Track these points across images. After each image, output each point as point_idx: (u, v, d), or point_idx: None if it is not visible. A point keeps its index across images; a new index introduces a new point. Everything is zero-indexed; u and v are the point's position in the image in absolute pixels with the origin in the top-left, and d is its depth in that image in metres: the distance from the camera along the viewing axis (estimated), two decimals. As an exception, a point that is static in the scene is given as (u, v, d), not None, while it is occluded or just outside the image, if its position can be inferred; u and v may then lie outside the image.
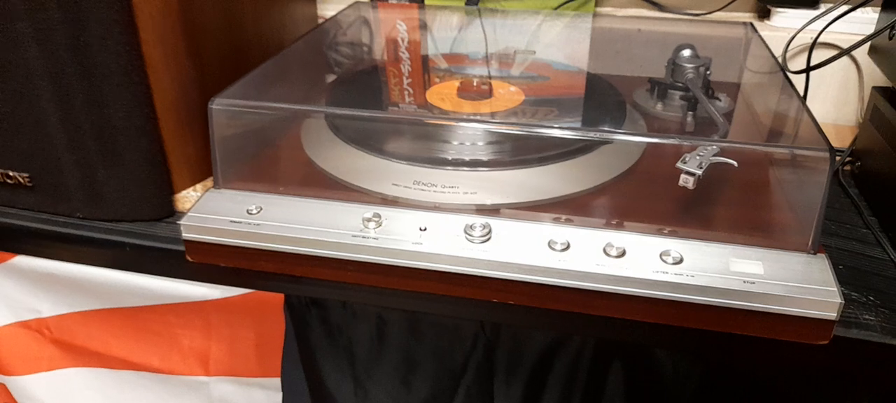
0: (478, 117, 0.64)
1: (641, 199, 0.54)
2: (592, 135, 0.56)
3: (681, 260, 0.46)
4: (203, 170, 0.61)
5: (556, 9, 0.91)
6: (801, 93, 0.65)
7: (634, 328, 0.48)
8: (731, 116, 0.70)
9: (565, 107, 0.66)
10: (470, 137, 0.60)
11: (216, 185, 0.55)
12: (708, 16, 0.91)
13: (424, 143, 0.59)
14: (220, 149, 0.54)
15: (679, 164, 0.50)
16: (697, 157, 0.51)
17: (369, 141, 0.58)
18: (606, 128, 0.61)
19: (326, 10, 0.94)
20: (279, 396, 0.67)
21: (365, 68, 0.84)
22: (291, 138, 0.65)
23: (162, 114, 0.56)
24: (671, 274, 0.45)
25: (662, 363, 0.54)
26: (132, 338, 0.68)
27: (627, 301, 0.46)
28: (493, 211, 0.52)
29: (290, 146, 0.63)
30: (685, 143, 0.51)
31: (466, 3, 0.92)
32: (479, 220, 0.49)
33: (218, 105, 0.54)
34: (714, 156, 0.51)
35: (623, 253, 0.47)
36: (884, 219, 0.59)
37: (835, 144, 0.75)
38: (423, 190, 0.53)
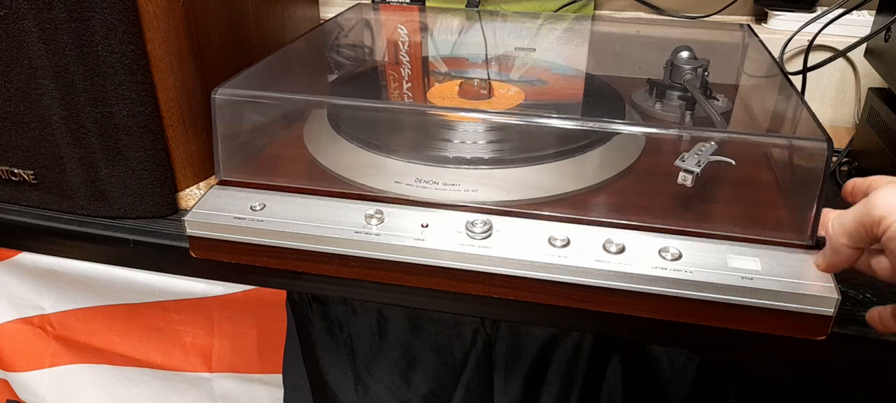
0: (479, 113, 0.64)
1: (640, 197, 0.54)
2: (591, 125, 0.56)
3: (679, 257, 0.46)
4: (206, 168, 0.61)
5: (555, 11, 0.92)
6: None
7: (633, 323, 0.48)
8: (729, 116, 0.71)
9: (565, 107, 0.67)
10: (471, 135, 0.60)
11: (217, 175, 0.55)
12: (706, 19, 0.92)
13: (426, 141, 0.59)
14: (223, 140, 0.55)
15: (678, 162, 0.51)
16: (696, 156, 0.51)
17: (372, 138, 0.58)
18: (605, 121, 0.61)
19: (328, 13, 0.95)
20: (281, 392, 0.68)
21: (366, 69, 0.84)
22: (294, 134, 0.65)
23: (165, 112, 0.57)
24: (670, 270, 0.45)
25: (660, 358, 0.55)
26: (134, 335, 0.68)
27: (626, 296, 0.46)
28: (494, 208, 0.52)
29: (292, 143, 0.64)
30: (683, 134, 0.51)
31: (467, 6, 0.93)
32: (480, 217, 0.50)
33: (221, 95, 0.54)
34: (712, 154, 0.52)
35: (622, 250, 0.47)
36: (880, 218, 0.59)
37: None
38: (424, 187, 0.53)
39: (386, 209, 0.52)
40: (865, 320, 0.43)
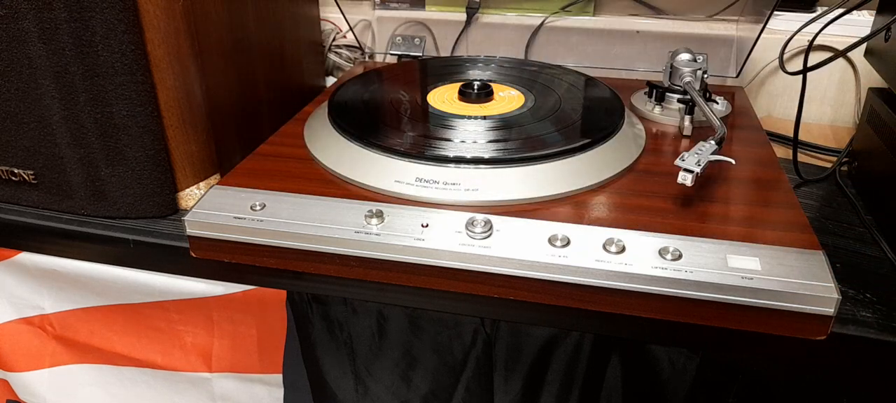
0: (479, 115, 0.65)
1: (641, 196, 0.54)
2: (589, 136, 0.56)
3: (679, 257, 0.46)
4: (206, 168, 0.61)
5: (555, 12, 0.91)
6: (799, 95, 0.66)
7: (633, 323, 0.48)
8: (727, 119, 0.71)
9: (565, 109, 0.67)
10: (472, 135, 0.60)
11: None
12: (706, 19, 0.91)
13: (426, 141, 0.59)
14: None
15: (677, 162, 0.51)
16: (696, 155, 0.51)
17: (372, 138, 0.58)
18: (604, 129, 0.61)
19: (328, 13, 0.95)
20: (281, 392, 0.68)
21: (367, 70, 0.84)
22: (294, 136, 0.65)
23: (165, 112, 0.57)
24: (670, 270, 0.45)
25: (660, 358, 0.55)
26: (134, 335, 0.68)
27: (627, 296, 0.46)
28: (494, 207, 0.52)
29: (292, 142, 0.64)
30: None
31: (467, 7, 0.93)
32: (480, 217, 0.50)
33: None
34: (712, 154, 0.52)
35: (622, 250, 0.47)
36: (880, 218, 0.59)
37: (832, 145, 0.76)
38: (425, 186, 0.54)
39: (386, 209, 0.52)
40: None
